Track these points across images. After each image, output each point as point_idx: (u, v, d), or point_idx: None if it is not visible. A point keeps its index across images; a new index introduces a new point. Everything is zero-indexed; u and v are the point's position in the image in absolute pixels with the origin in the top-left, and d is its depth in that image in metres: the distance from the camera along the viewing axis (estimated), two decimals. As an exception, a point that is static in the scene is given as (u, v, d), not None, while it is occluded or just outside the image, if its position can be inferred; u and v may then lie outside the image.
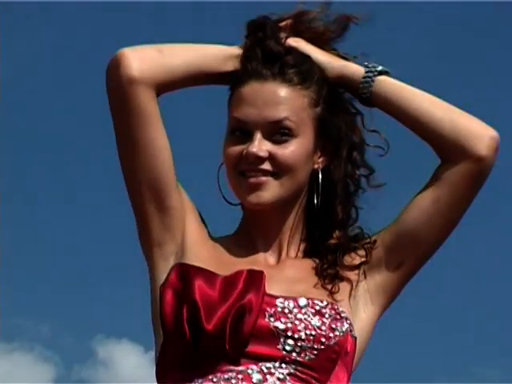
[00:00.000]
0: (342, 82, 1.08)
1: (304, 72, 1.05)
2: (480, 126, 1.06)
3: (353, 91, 1.08)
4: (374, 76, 1.06)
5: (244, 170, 1.04)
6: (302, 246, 1.09)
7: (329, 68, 1.07)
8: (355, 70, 1.07)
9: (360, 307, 1.06)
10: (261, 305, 0.96)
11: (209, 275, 0.98)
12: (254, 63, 1.05)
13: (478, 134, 1.04)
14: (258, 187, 1.03)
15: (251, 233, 1.08)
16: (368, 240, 1.07)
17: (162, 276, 1.01)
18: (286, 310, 0.97)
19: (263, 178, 1.03)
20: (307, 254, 1.09)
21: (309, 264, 1.07)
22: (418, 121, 1.06)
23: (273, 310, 0.97)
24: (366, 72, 1.06)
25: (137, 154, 1.03)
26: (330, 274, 1.04)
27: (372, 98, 1.06)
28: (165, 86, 1.03)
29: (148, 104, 1.01)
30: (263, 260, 1.06)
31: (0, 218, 4.53)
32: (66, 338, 6.05)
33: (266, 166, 1.02)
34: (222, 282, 0.97)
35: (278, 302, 0.98)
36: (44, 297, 6.20)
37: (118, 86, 1.01)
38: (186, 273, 0.98)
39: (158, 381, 1.00)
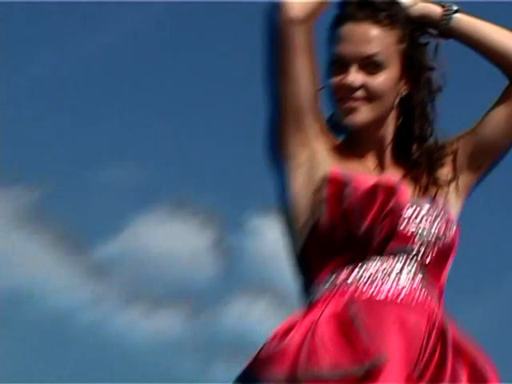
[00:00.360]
0: (424, 20, 1.28)
1: (392, 14, 1.24)
2: None
3: (433, 27, 1.29)
4: (451, 14, 1.27)
5: (341, 96, 1.23)
6: (394, 160, 1.30)
7: (412, 9, 1.28)
8: (434, 9, 1.28)
9: (452, 204, 1.27)
10: (401, 210, 1.18)
11: (362, 178, 1.20)
12: (350, 7, 1.24)
13: None
14: (352, 111, 1.22)
15: (358, 147, 1.28)
16: (450, 148, 1.29)
17: (297, 180, 1.22)
18: (415, 215, 1.20)
19: (356, 103, 1.22)
20: (398, 165, 1.29)
21: (404, 172, 1.28)
22: (490, 49, 1.28)
23: (407, 214, 1.19)
24: (444, 11, 1.28)
25: (286, 82, 1.22)
26: (429, 180, 1.26)
27: (449, 32, 1.28)
28: (313, 18, 1.23)
29: (302, 39, 1.21)
30: (373, 168, 1.28)
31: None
32: (224, 208, 6.33)
33: (360, 93, 1.22)
34: (371, 186, 1.18)
35: (409, 207, 1.20)
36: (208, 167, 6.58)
37: (279, 27, 1.20)
38: (340, 177, 1.19)
39: (300, 261, 1.22)
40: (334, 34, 1.25)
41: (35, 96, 6.58)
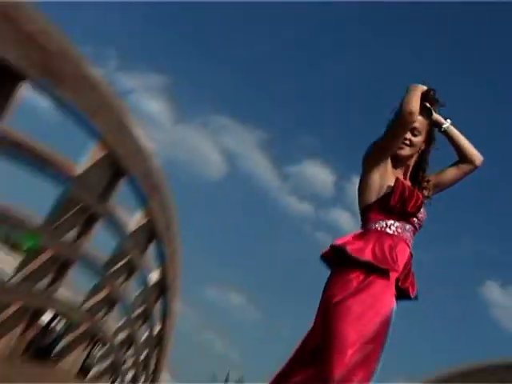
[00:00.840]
0: (436, 123, 2.53)
1: (430, 115, 2.50)
2: (478, 154, 2.57)
3: (439, 127, 2.54)
4: (447, 124, 2.54)
5: (400, 145, 2.47)
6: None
7: (434, 116, 2.51)
8: (442, 121, 2.54)
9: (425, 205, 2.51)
10: (421, 204, 2.42)
11: (403, 183, 2.41)
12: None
13: (478, 157, 2.57)
14: (402, 149, 2.48)
15: (400, 166, 2.52)
16: (429, 178, 2.56)
17: (375, 175, 2.43)
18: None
19: (409, 150, 2.49)
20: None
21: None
22: (459, 148, 2.56)
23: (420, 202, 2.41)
24: (446, 123, 2.54)
25: (396, 140, 2.42)
26: (422, 189, 2.51)
27: (444, 132, 2.55)
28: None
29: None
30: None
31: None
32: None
33: (408, 143, 2.49)
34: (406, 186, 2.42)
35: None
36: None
37: (406, 121, 2.35)
38: (402, 182, 2.42)
39: (365, 211, 2.45)
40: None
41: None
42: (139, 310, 4.70)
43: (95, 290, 3.53)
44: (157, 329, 5.56)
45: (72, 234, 2.92)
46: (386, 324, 2.24)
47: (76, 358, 3.42)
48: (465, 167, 2.56)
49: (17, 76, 1.78)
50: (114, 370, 4.60)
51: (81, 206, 2.83)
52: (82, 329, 3.45)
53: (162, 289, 4.90)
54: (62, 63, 2.00)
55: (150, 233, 3.82)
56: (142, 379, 5.72)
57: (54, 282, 2.89)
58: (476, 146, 2.56)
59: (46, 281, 2.81)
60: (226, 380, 32.75)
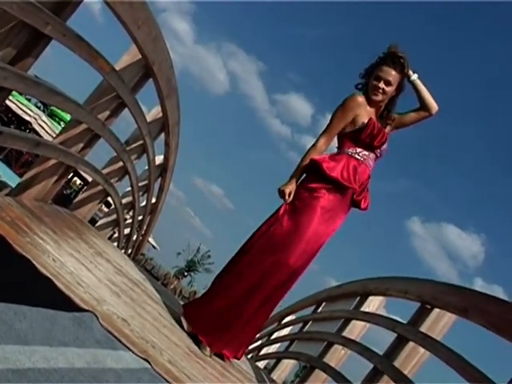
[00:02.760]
0: (407, 76, 3.11)
1: (402, 70, 3.08)
2: (435, 105, 3.14)
3: (408, 78, 3.13)
4: (415, 78, 3.11)
5: (375, 89, 3.10)
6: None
7: (405, 71, 3.10)
8: (411, 74, 3.11)
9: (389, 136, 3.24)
10: (386, 137, 3.13)
11: (377, 122, 3.13)
12: (389, 58, 3.06)
13: (435, 107, 3.14)
14: (376, 95, 3.11)
15: (373, 107, 3.17)
16: (393, 117, 3.22)
17: (349, 116, 3.15)
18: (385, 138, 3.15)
19: (379, 94, 3.10)
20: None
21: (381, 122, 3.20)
22: (420, 97, 3.14)
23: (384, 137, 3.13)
24: (414, 76, 3.11)
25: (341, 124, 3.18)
26: (385, 125, 3.20)
27: (412, 83, 3.13)
28: None
29: None
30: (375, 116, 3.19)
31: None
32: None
33: (381, 91, 3.09)
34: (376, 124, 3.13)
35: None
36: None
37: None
38: (374, 122, 3.11)
39: (340, 138, 3.18)
40: (378, 66, 3.07)
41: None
42: (143, 183, 5.64)
43: (113, 162, 4.42)
44: (153, 200, 6.54)
45: (104, 114, 3.73)
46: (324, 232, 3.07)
47: (89, 210, 4.37)
48: (422, 114, 3.15)
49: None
50: (116, 225, 5.60)
51: (115, 95, 3.61)
52: (97, 188, 4.36)
53: (162, 169, 5.81)
54: None
55: (162, 125, 4.65)
56: (134, 237, 6.77)
57: (84, 148, 3.73)
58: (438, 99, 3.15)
59: (79, 146, 3.62)
60: (198, 250, 37.89)
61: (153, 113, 4.64)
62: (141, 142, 4.50)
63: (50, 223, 2.97)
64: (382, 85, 3.05)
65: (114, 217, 5.52)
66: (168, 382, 2.18)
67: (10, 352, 1.57)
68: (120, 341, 2.17)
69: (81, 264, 2.70)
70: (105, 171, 4.39)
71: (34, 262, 2.20)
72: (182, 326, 3.10)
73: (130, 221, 6.51)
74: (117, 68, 3.35)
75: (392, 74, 3.04)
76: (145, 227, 7.21)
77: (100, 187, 4.36)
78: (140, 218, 6.49)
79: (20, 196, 3.08)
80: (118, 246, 6.17)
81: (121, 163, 4.41)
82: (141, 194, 5.91)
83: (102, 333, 2.11)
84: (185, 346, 2.82)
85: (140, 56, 3.63)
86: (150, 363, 2.18)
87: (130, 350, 2.17)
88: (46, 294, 2.17)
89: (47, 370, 1.64)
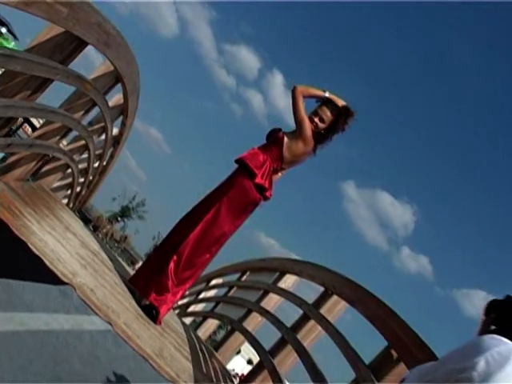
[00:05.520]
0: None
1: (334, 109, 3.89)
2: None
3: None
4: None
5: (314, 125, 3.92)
6: None
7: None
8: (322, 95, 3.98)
9: None
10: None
11: None
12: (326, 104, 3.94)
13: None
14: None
15: None
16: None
17: None
18: None
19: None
20: None
21: None
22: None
23: None
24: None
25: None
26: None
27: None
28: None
29: None
30: None
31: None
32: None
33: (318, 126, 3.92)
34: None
35: None
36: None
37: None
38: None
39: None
40: (320, 106, 3.89)
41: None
42: (98, 152, 6.26)
43: (77, 139, 5.04)
44: (104, 163, 7.17)
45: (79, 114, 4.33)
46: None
47: (53, 179, 5.01)
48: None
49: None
50: (70, 187, 6.26)
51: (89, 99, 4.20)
52: (60, 162, 4.98)
53: (115, 141, 6.45)
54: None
55: (121, 110, 5.29)
56: (83, 193, 7.39)
57: (60, 138, 4.33)
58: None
59: (56, 138, 4.22)
60: (134, 198, 38.29)
61: (115, 99, 5.26)
62: (102, 124, 5.12)
63: (31, 203, 3.62)
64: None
65: (69, 180, 6.15)
66: (124, 340, 2.95)
67: (25, 317, 2.28)
68: (90, 308, 2.90)
69: (57, 241, 3.38)
70: (68, 147, 5.01)
71: (29, 244, 2.89)
72: (131, 292, 3.85)
73: (81, 180, 7.12)
74: (93, 76, 4.00)
75: (328, 112, 3.90)
76: (92, 186, 7.85)
77: (63, 161, 4.98)
78: (91, 178, 7.11)
79: (5, 176, 3.70)
80: (68, 204, 6.82)
81: (83, 142, 5.03)
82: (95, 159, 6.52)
83: (78, 301, 2.85)
84: (134, 310, 3.58)
85: (112, 68, 4.23)
86: (111, 325, 2.93)
87: (98, 314, 2.91)
88: (37, 269, 2.86)
89: (47, 331, 2.36)
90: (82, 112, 4.06)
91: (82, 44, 2.88)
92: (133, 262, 33.63)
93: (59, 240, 3.44)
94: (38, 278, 2.69)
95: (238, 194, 3.77)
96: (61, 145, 4.71)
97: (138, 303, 3.75)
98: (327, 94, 3.86)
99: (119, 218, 38.17)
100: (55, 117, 3.29)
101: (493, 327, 1.46)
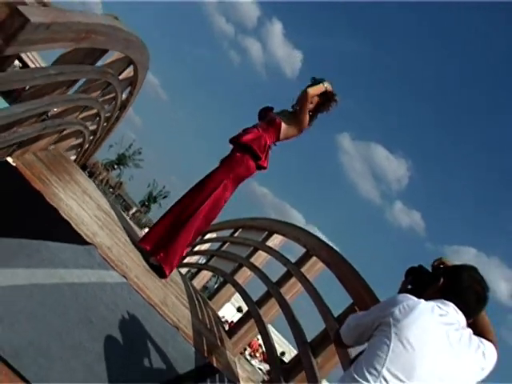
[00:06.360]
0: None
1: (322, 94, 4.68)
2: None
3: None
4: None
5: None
6: None
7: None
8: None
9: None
10: None
11: None
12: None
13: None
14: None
15: None
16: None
17: None
18: None
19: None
20: None
21: None
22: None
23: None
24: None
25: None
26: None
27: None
28: None
29: None
30: None
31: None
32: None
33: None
34: None
35: None
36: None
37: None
38: None
39: None
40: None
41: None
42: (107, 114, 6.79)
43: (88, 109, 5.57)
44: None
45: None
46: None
47: (68, 143, 5.57)
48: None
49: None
50: (79, 147, 6.81)
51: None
52: (75, 127, 5.53)
53: (122, 106, 6.97)
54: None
55: (130, 82, 5.81)
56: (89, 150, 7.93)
57: (80, 113, 4.86)
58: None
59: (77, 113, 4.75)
60: (130, 146, 39.11)
61: (126, 71, 5.76)
62: (113, 94, 5.64)
63: (55, 171, 4.20)
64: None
65: (79, 141, 6.70)
66: (136, 290, 3.59)
67: (64, 273, 2.90)
68: (110, 264, 3.53)
69: (78, 205, 3.98)
70: (82, 115, 5.54)
71: (60, 211, 3.49)
72: (138, 249, 4.47)
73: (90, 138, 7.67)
74: (109, 60, 4.50)
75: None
76: (98, 144, 8.41)
77: (77, 128, 5.52)
78: (98, 136, 7.66)
79: (32, 146, 4.25)
80: (75, 160, 7.41)
81: (95, 111, 5.57)
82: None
83: (100, 258, 3.47)
84: (142, 266, 4.21)
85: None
86: (126, 279, 3.57)
87: (115, 270, 3.54)
88: (66, 230, 3.47)
89: (79, 283, 2.99)
90: (98, 92, 4.59)
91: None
92: (126, 208, 34.43)
93: (80, 204, 4.03)
94: (67, 239, 3.30)
95: (243, 172, 4.53)
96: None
97: (147, 260, 4.38)
98: (325, 85, 4.57)
99: (115, 166, 38.84)
100: (79, 102, 3.84)
101: (409, 287, 2.12)
